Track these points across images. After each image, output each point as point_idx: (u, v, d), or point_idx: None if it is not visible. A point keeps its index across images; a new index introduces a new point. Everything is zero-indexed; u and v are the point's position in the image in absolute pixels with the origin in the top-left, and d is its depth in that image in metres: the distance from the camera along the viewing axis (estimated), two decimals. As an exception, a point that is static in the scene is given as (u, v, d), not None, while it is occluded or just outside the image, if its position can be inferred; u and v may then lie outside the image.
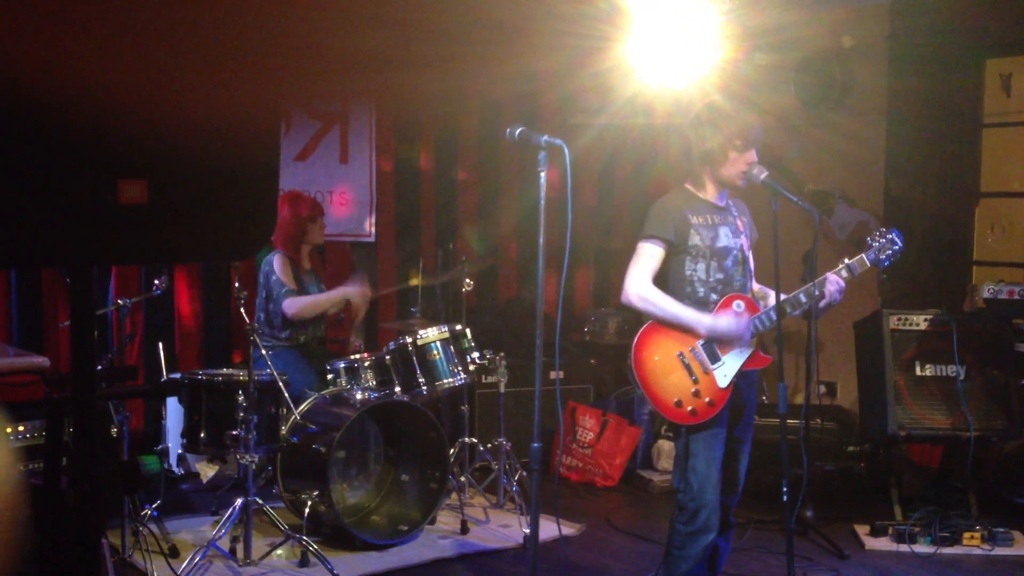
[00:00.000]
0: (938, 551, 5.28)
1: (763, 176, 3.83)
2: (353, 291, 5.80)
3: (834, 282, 3.90)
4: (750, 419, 4.05)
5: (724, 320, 3.83)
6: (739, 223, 3.99)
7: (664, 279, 3.93)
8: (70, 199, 1.46)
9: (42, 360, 4.95)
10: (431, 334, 5.51)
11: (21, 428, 4.51)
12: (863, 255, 4.03)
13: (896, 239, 4.07)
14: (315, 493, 5.04)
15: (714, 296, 3.89)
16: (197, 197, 1.52)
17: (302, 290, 5.71)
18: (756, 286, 4.09)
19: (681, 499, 3.88)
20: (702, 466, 3.83)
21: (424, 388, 5.43)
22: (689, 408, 3.82)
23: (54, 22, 1.18)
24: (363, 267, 6.47)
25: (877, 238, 4.09)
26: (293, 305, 5.60)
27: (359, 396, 5.26)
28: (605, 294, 8.24)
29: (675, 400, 3.83)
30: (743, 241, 3.97)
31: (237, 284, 4.97)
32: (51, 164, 1.42)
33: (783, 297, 3.85)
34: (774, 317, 3.83)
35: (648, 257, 3.89)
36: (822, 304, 3.90)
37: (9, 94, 1.27)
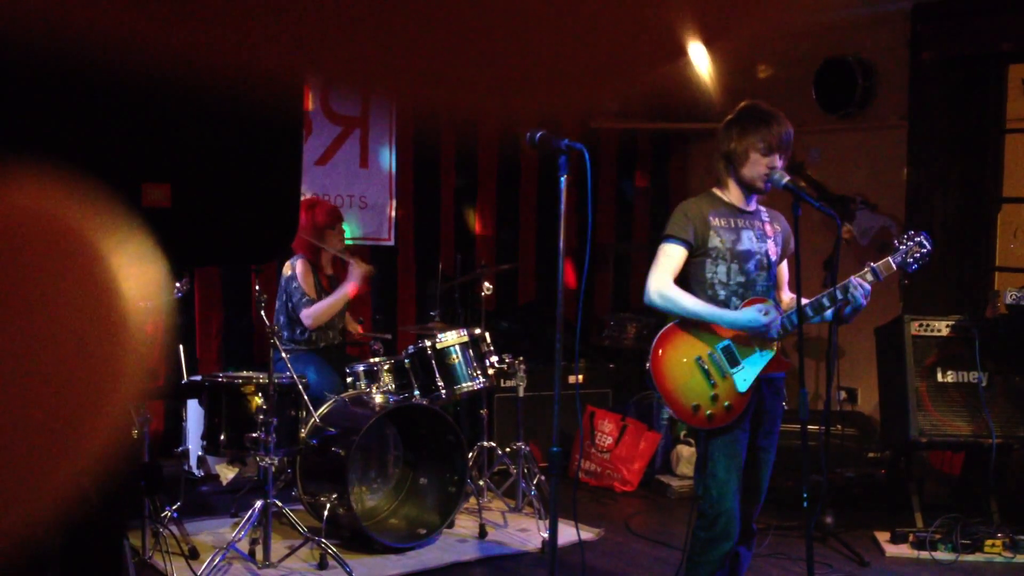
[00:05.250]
0: (959, 558, 5.24)
1: (785, 180, 3.81)
2: (355, 281, 5.79)
3: (857, 286, 3.85)
4: (774, 428, 4.01)
5: (747, 314, 3.80)
6: (767, 228, 3.96)
7: (685, 282, 3.91)
8: (92, 203, 1.47)
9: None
10: (450, 338, 5.51)
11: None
12: (889, 258, 3.97)
13: (925, 241, 4.00)
14: (334, 496, 5.05)
15: (735, 300, 3.87)
16: (220, 201, 1.53)
17: (323, 297, 5.73)
18: (787, 297, 4.06)
19: (701, 505, 3.87)
20: (722, 473, 3.82)
21: (443, 392, 5.44)
22: (707, 413, 3.81)
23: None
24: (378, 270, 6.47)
25: (904, 240, 4.02)
26: (310, 316, 5.63)
27: (378, 399, 5.27)
28: (624, 298, 8.23)
29: (693, 404, 3.82)
30: (769, 246, 3.94)
31: (258, 287, 4.99)
32: (73, 168, 1.43)
33: (804, 301, 3.83)
34: (796, 321, 3.80)
35: (668, 257, 3.87)
36: (848, 310, 3.85)
37: (30, 102, 1.28)
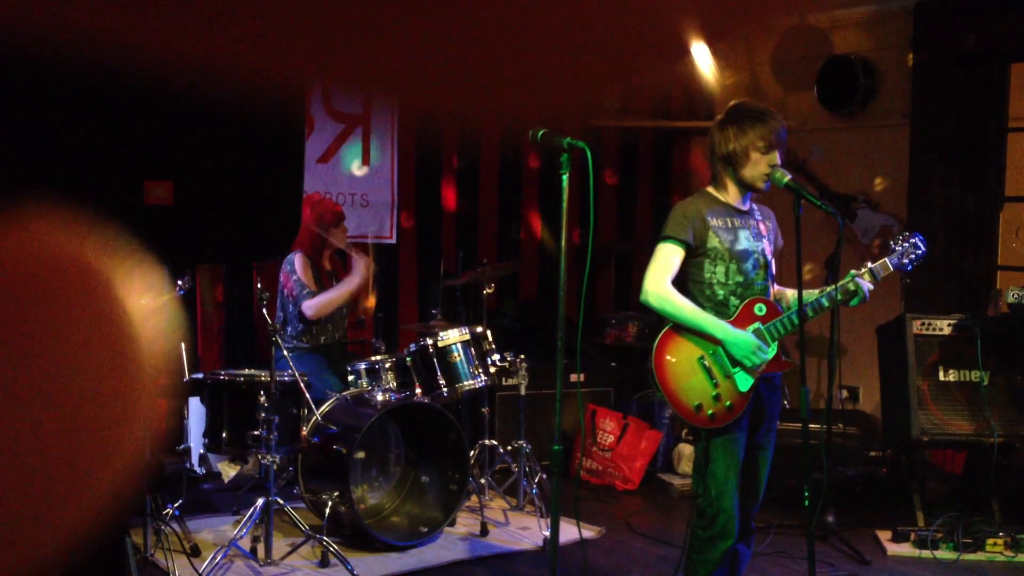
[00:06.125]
0: (960, 557, 5.24)
1: (786, 179, 3.80)
2: (360, 275, 5.80)
3: (852, 283, 3.89)
4: (773, 426, 4.01)
5: (738, 336, 3.78)
6: (761, 227, 3.96)
7: (684, 282, 3.90)
8: (96, 201, 1.47)
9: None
10: (452, 336, 5.51)
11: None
12: (886, 259, 4.00)
13: (919, 243, 4.04)
14: (336, 494, 5.05)
15: (734, 299, 3.86)
16: (222, 198, 1.53)
17: (323, 292, 5.73)
18: (775, 287, 4.07)
19: (700, 504, 3.87)
20: (721, 472, 3.82)
21: (445, 390, 5.44)
22: (709, 412, 3.81)
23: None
24: (380, 272, 6.48)
25: (900, 242, 4.05)
26: (311, 307, 5.63)
27: (380, 397, 5.28)
28: (626, 297, 8.23)
29: (695, 404, 3.81)
30: (764, 245, 3.94)
31: (260, 285, 5.00)
32: (77, 166, 1.43)
33: (805, 301, 3.83)
34: (796, 321, 3.81)
35: (666, 258, 3.86)
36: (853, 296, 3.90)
37: (34, 101, 1.28)
